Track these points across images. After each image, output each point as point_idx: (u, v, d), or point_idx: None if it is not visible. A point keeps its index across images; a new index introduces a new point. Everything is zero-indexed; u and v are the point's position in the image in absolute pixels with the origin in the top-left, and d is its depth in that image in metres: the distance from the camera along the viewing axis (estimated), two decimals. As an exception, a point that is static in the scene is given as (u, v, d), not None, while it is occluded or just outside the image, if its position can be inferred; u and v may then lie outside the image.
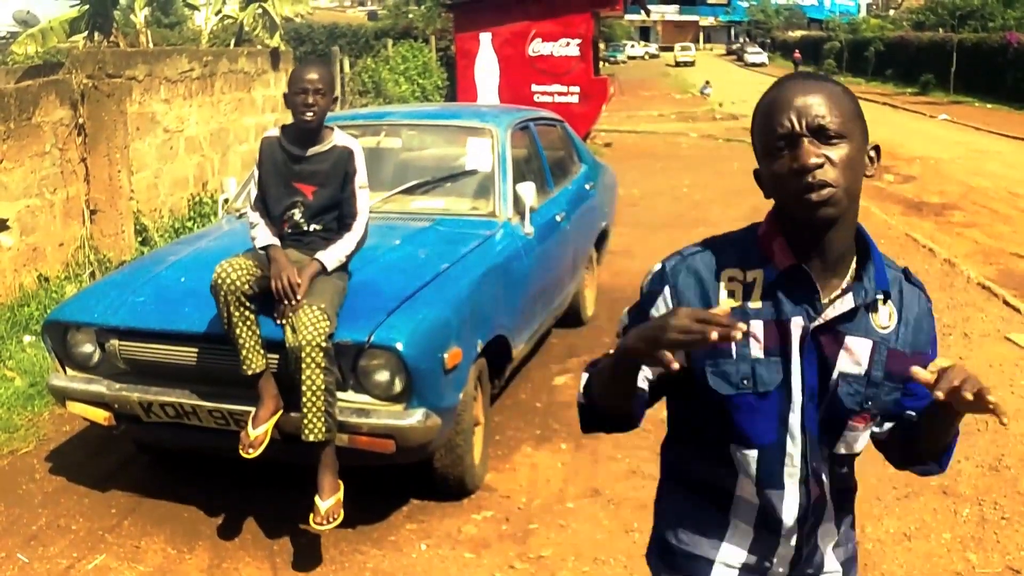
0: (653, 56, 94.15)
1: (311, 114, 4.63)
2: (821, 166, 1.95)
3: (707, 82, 45.12)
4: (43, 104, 8.63)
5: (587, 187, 8.19)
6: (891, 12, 73.51)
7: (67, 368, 5.12)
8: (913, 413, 2.21)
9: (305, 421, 4.36)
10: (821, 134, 1.97)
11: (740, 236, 2.20)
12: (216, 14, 19.63)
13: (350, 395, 4.64)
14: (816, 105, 1.98)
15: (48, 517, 5.15)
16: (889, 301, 2.16)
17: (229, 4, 19.28)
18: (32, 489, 5.47)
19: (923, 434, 2.19)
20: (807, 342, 2.08)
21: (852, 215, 2.07)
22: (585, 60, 18.34)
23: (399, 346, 4.46)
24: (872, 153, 2.09)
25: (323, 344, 4.32)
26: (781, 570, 2.25)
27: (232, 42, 17.67)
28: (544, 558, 4.71)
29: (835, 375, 2.11)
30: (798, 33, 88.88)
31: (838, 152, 1.97)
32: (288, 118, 4.81)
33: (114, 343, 4.93)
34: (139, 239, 9.84)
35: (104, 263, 8.98)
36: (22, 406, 6.50)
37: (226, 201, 6.67)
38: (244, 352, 4.46)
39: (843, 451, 2.19)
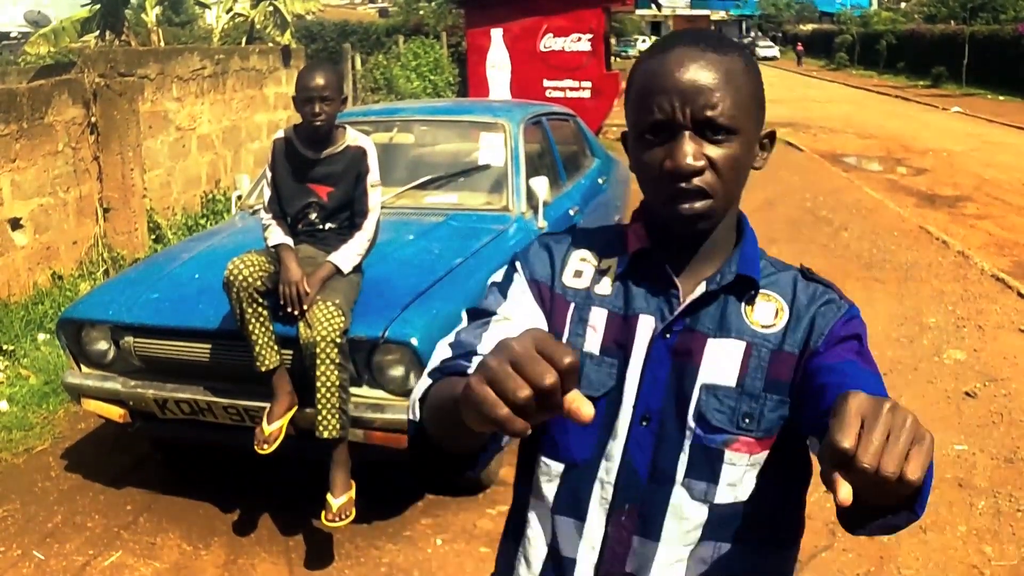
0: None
1: (320, 121, 4.62)
2: (700, 172, 1.58)
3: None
4: (56, 103, 8.65)
5: (600, 181, 8.18)
6: (902, 5, 73.29)
7: (82, 366, 5.13)
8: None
9: (319, 418, 4.36)
10: (707, 128, 1.58)
11: (609, 228, 1.87)
12: (227, 12, 19.65)
13: (365, 390, 4.64)
14: (708, 91, 1.56)
15: (64, 515, 5.17)
16: (777, 296, 1.71)
17: (240, 2, 19.27)
18: (48, 487, 5.49)
19: None
20: (654, 346, 1.67)
21: (729, 216, 1.72)
22: (596, 55, 18.31)
23: (414, 341, 4.46)
24: (765, 140, 1.72)
25: (337, 340, 4.32)
26: None
27: (243, 40, 17.68)
28: (559, 552, 4.70)
29: (697, 388, 1.65)
30: (809, 27, 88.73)
31: (724, 152, 1.59)
32: (299, 116, 4.80)
33: (129, 340, 4.94)
34: (152, 237, 9.86)
35: (118, 261, 9.00)
36: (37, 404, 6.52)
37: (239, 198, 6.68)
38: (257, 349, 4.46)
39: (724, 498, 1.65)
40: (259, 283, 4.41)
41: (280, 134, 4.90)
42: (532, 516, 1.78)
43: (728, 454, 1.64)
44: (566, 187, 7.20)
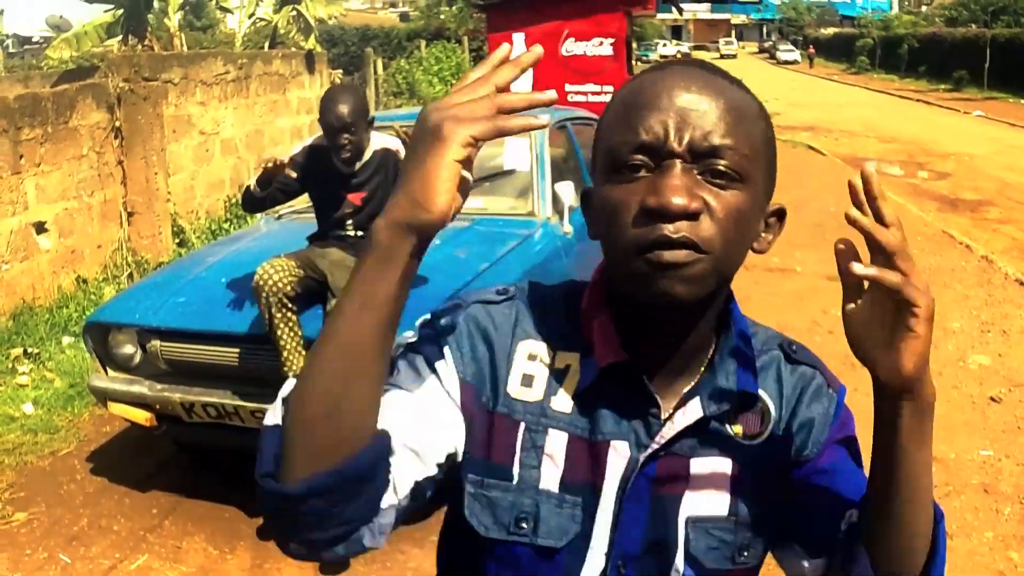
0: (685, 55, 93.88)
1: (347, 153, 4.67)
2: (693, 215, 1.14)
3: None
4: (80, 108, 8.69)
5: (623, 186, 8.15)
6: (923, 8, 73.12)
7: (108, 369, 5.14)
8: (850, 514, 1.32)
9: (345, 421, 4.35)
10: (707, 163, 1.16)
11: (565, 294, 1.38)
12: (249, 17, 19.73)
13: (391, 395, 4.63)
14: (711, 114, 1.16)
15: (89, 518, 5.18)
16: (762, 394, 1.34)
17: (262, 7, 19.34)
18: (73, 490, 5.50)
19: (881, 527, 1.33)
20: (633, 481, 1.27)
21: (720, 300, 1.29)
22: (618, 59, 18.27)
23: (440, 346, 4.44)
24: (772, 219, 1.29)
25: (364, 345, 4.31)
26: None
27: (266, 44, 17.74)
28: (584, 557, 4.69)
29: (682, 524, 1.30)
30: (830, 30, 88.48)
31: (726, 201, 1.16)
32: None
33: (155, 344, 4.95)
34: (176, 241, 9.90)
35: (142, 265, 9.04)
36: (62, 407, 6.55)
37: (263, 202, 6.68)
38: (285, 354, 4.47)
39: None
40: (288, 288, 4.42)
41: (309, 141, 4.94)
42: None
43: None
44: (590, 191, 7.17)
